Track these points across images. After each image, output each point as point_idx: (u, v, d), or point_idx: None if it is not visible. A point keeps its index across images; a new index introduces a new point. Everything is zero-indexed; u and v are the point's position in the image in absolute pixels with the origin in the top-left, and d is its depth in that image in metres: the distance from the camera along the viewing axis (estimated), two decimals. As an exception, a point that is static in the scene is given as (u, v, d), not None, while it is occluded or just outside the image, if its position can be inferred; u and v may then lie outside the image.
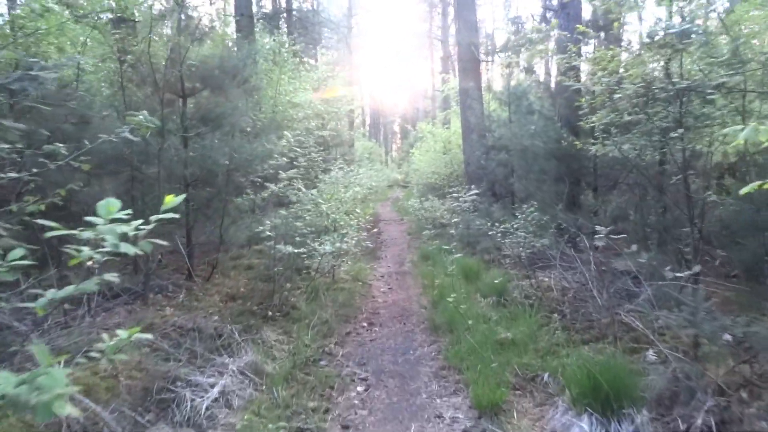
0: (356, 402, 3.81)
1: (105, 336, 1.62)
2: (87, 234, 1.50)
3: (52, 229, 1.55)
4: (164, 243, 1.66)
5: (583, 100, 5.57)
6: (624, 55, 5.91)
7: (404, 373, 4.28)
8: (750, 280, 4.72)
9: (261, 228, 5.54)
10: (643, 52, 4.75)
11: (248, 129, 7.21)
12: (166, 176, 6.59)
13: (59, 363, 1.80)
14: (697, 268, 3.51)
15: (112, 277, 1.62)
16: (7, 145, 3.44)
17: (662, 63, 4.61)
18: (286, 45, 13.76)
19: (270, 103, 12.92)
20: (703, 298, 3.40)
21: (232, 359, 4.08)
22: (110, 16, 7.55)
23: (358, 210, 7.74)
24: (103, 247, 1.50)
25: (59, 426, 2.86)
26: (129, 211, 1.66)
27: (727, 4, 6.33)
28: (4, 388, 1.18)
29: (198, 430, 3.32)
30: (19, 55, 5.06)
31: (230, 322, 5.00)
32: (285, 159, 5.93)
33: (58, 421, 2.85)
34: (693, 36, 4.32)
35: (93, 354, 1.64)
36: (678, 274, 3.48)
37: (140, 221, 1.57)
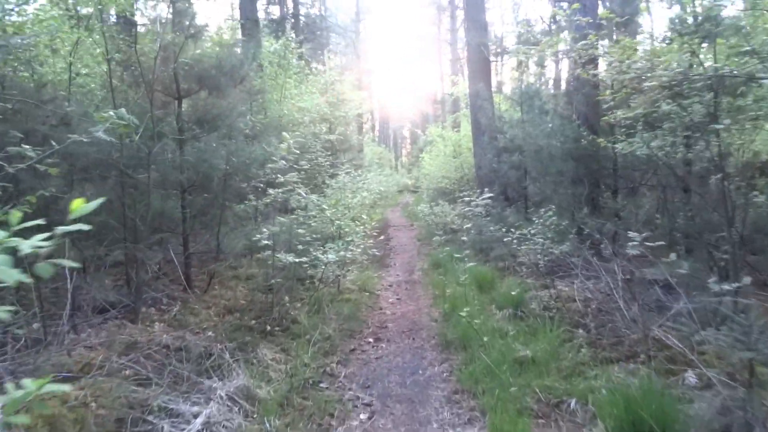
0: (359, 432, 3.39)
1: (9, 386, 1.22)
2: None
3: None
4: (71, 264, 1.24)
5: (608, 92, 5.12)
6: (646, 45, 5.49)
7: (413, 397, 3.85)
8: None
9: (258, 236, 5.13)
10: (673, 39, 4.31)
11: (247, 131, 6.83)
12: (160, 181, 6.24)
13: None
14: (747, 280, 3.05)
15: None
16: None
17: (691, 52, 4.16)
18: (292, 47, 13.39)
19: (275, 106, 12.62)
20: (757, 314, 2.94)
21: (221, 383, 3.67)
22: (112, 18, 7.28)
23: (364, 216, 7.30)
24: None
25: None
26: (41, 221, 1.26)
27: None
28: None
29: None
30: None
31: (224, 339, 4.61)
32: (284, 162, 5.52)
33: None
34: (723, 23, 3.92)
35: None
36: (726, 286, 3.01)
37: (45, 234, 1.16)
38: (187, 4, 6.17)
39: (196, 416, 3.19)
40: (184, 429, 3.07)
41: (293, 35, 15.38)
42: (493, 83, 15.34)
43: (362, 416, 3.57)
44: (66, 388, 1.25)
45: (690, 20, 4.46)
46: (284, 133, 5.56)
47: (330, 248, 6.22)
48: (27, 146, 3.15)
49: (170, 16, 6.17)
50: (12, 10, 5.76)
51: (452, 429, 3.36)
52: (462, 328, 4.88)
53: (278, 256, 5.59)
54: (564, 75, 25.91)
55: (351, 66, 30.33)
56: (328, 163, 13.78)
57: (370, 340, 5.15)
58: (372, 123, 42.17)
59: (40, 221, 1.25)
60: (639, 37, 4.76)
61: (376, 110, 42.23)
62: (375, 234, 9.18)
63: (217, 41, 7.58)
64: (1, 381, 3.11)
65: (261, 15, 23.06)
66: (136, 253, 5.33)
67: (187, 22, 6.06)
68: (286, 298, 5.39)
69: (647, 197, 7.10)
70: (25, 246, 1.09)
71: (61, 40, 7.30)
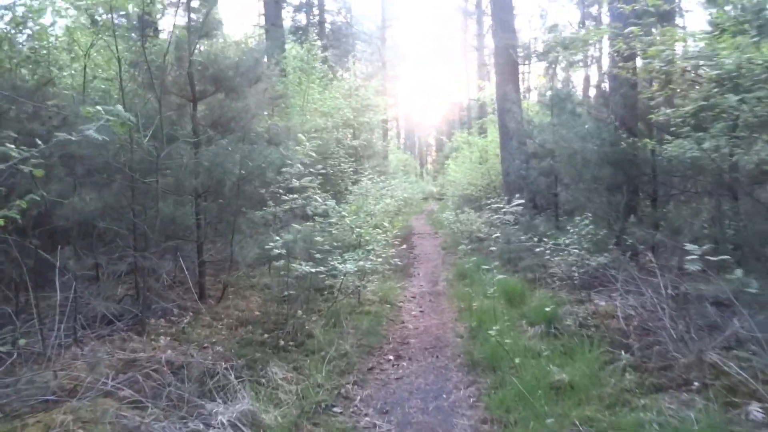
0: (375, 467, 3.01)
1: None
2: None
3: None
4: None
5: (655, 87, 4.67)
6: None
7: (436, 426, 3.45)
8: None
9: (272, 245, 4.80)
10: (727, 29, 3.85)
11: (265, 135, 6.54)
12: (174, 186, 5.99)
13: None
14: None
15: None
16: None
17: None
18: (315, 51, 13.16)
19: (298, 112, 12.39)
20: None
21: (224, 406, 3.33)
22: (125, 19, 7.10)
23: (386, 224, 6.94)
24: None
25: None
26: None
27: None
28: None
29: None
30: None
31: (232, 356, 4.29)
32: (300, 167, 5.21)
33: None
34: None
35: None
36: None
37: None
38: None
39: (191, 446, 2.86)
40: (176, 462, 2.73)
41: (317, 39, 15.25)
42: (521, 88, 14.89)
43: (378, 448, 3.20)
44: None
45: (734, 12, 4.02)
46: (300, 135, 5.25)
47: (349, 257, 5.87)
48: (11, 146, 2.88)
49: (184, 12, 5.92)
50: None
51: (480, 467, 2.96)
52: (490, 346, 4.46)
53: (294, 265, 5.27)
54: (594, 80, 25.37)
55: (376, 73, 30.16)
56: (351, 169, 13.50)
57: (390, 357, 4.76)
58: (397, 130, 41.97)
59: None
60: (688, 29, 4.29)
61: (401, 118, 42.01)
62: (398, 242, 8.82)
63: (233, 41, 7.29)
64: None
65: (288, 23, 23.11)
66: (144, 262, 5.07)
67: (201, 19, 5.80)
68: (299, 312, 5.03)
69: (690, 205, 6.58)
70: None
71: (77, 42, 7.20)
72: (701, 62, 3.49)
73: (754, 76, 3.40)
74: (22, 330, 3.94)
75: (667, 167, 5.83)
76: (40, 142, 2.83)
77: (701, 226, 5.84)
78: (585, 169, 6.66)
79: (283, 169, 5.33)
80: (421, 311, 6.46)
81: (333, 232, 7.26)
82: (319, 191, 6.35)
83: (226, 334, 5.03)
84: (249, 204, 6.76)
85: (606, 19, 25.60)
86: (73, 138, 2.88)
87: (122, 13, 6.06)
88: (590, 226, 5.48)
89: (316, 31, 22.70)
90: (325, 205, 5.71)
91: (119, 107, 3.05)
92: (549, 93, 10.44)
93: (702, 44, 3.73)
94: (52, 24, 6.62)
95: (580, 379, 3.78)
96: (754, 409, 3.12)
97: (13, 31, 5.61)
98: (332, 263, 5.41)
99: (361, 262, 5.55)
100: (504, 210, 7.49)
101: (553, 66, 13.77)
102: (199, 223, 6.02)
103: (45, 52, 6.42)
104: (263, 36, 16.99)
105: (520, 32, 27.12)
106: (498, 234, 7.06)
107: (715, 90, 3.61)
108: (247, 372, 3.97)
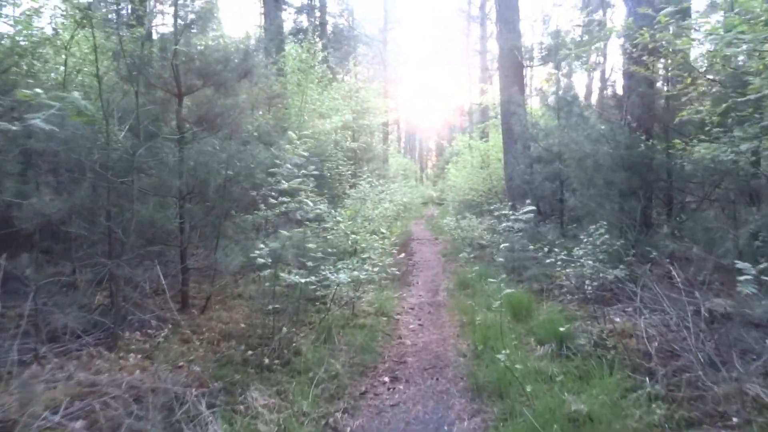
0: None
1: None
2: None
3: None
4: None
5: (688, 79, 4.23)
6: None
7: (436, 465, 3.01)
8: None
9: (257, 253, 4.35)
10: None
11: (255, 134, 6.10)
12: (156, 187, 5.56)
13: None
14: None
15: None
16: None
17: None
18: (314, 51, 12.74)
19: (296, 113, 11.98)
20: None
21: (192, 442, 2.89)
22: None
23: (383, 230, 6.49)
24: None
25: None
26: None
27: None
28: None
29: None
30: None
31: (209, 377, 3.84)
32: (289, 167, 4.78)
33: None
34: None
35: None
36: None
37: None
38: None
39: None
40: None
41: (317, 40, 14.85)
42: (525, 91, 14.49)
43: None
44: None
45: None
46: (291, 133, 4.81)
47: (343, 267, 5.42)
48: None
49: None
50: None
51: None
52: (497, 369, 4.01)
53: (282, 275, 4.84)
54: (595, 86, 24.94)
55: (378, 76, 29.76)
56: (349, 172, 13.08)
57: (386, 379, 4.30)
58: (398, 134, 41.60)
59: None
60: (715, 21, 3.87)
61: (402, 121, 41.62)
62: (396, 250, 8.38)
63: (223, 33, 6.86)
64: None
65: (289, 24, 22.76)
66: (117, 270, 4.62)
67: (188, 7, 5.38)
68: (285, 330, 4.57)
69: (706, 212, 6.14)
70: None
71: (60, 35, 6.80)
72: (744, 50, 3.05)
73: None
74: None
75: (690, 172, 5.38)
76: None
77: (749, 237, 5.38)
78: (597, 174, 6.23)
79: (272, 170, 4.88)
80: (419, 324, 6.00)
81: (328, 237, 6.83)
82: (312, 194, 5.93)
83: (206, 350, 4.58)
84: (237, 207, 6.33)
85: (609, 23, 25.32)
86: (13, 128, 2.45)
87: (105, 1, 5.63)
88: (605, 236, 5.03)
89: (317, 32, 22.38)
90: (318, 209, 5.25)
91: (75, 94, 2.62)
92: (554, 96, 10.03)
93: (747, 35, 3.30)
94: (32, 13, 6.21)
95: (600, 409, 3.34)
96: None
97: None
98: (324, 273, 4.96)
99: (355, 272, 5.10)
100: (513, 217, 7.02)
101: (559, 68, 13.33)
102: (183, 227, 5.59)
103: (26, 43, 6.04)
104: (263, 35, 16.64)
105: (523, 36, 26.82)
106: (506, 243, 6.54)
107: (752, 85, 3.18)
108: (224, 398, 3.52)
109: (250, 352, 4.52)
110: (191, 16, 5.35)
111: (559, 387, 3.71)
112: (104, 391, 3.20)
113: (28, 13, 5.99)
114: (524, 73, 14.03)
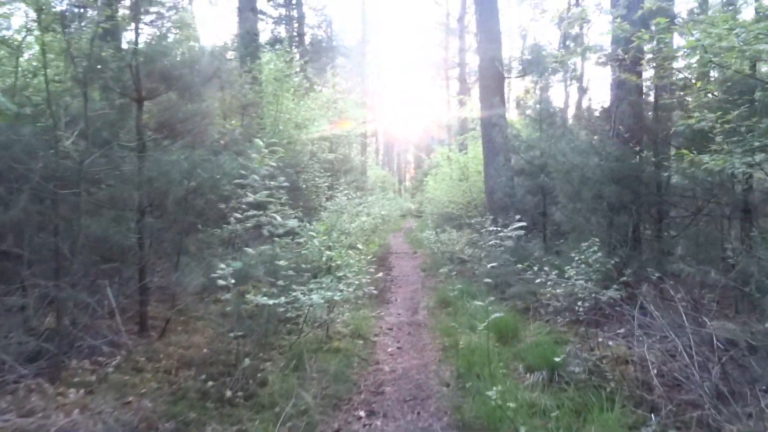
0: None
1: None
2: None
3: None
4: None
5: (699, 84, 3.93)
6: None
7: None
8: None
9: (218, 273, 3.91)
10: None
11: (221, 141, 5.67)
12: (110, 199, 5.09)
13: None
14: None
15: None
16: None
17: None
18: (289, 58, 12.36)
19: (271, 122, 11.56)
20: None
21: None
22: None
23: (360, 246, 6.09)
24: None
25: None
26: None
27: None
28: None
29: None
30: None
31: (161, 415, 3.38)
32: (256, 177, 4.37)
33: None
34: None
35: None
36: None
37: None
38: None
39: None
40: None
41: (294, 50, 14.50)
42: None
43: None
44: None
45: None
46: (257, 141, 4.40)
47: (316, 286, 5.00)
48: None
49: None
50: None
51: None
52: (485, 404, 3.61)
53: (249, 297, 4.40)
54: (573, 99, 25.06)
55: (356, 88, 29.50)
56: (326, 184, 12.67)
57: (361, 414, 3.87)
58: (376, 146, 41.36)
59: None
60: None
61: (380, 133, 41.40)
62: (374, 266, 7.99)
63: (189, 34, 6.43)
64: None
65: (268, 35, 22.33)
66: (60, 292, 4.13)
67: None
68: (248, 360, 4.12)
69: (700, 228, 5.88)
70: None
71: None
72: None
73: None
74: None
75: (683, 185, 5.11)
76: None
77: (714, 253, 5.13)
78: (584, 187, 5.93)
79: (238, 181, 4.46)
80: (398, 347, 5.59)
81: (303, 252, 6.40)
82: (284, 207, 5.50)
83: (161, 381, 4.12)
84: (204, 220, 5.88)
85: (586, 39, 25.53)
86: None
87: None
88: (598, 254, 4.70)
89: (295, 43, 22.03)
90: (288, 224, 4.82)
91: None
92: (536, 107, 9.81)
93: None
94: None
95: (602, 452, 2.97)
96: None
97: None
98: (295, 294, 4.53)
99: (329, 293, 4.67)
100: (501, 234, 6.67)
101: (543, 78, 13.18)
102: (142, 242, 5.11)
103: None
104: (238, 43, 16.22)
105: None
106: (493, 264, 6.15)
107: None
108: (175, 441, 3.07)
109: (210, 383, 4.07)
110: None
111: (554, 424, 3.33)
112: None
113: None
114: (505, 85, 13.87)
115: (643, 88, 5.12)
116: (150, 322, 5.53)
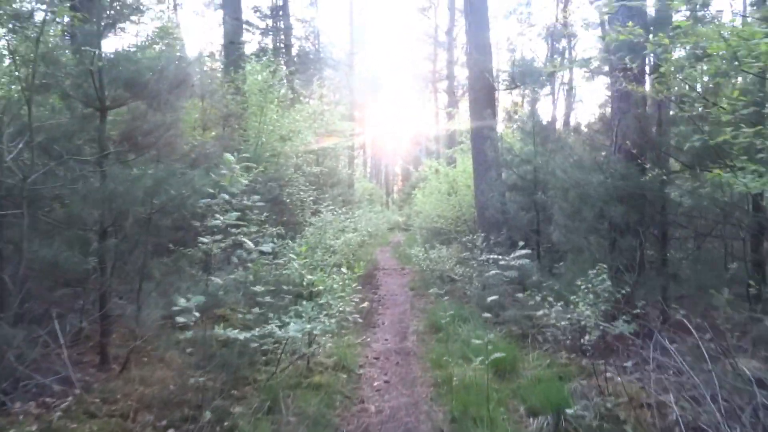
0: None
1: None
2: None
3: None
4: None
5: (720, 95, 3.54)
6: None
7: None
8: None
9: (177, 307, 3.42)
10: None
11: (192, 155, 5.19)
12: (66, 219, 4.59)
13: None
14: None
15: None
16: None
17: None
18: (273, 69, 11.93)
19: (254, 135, 11.13)
20: None
21: None
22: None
23: (344, 269, 5.62)
24: None
25: None
26: None
27: None
28: None
29: None
30: None
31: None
32: (225, 196, 3.90)
33: None
34: None
35: None
36: None
37: None
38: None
39: None
40: None
41: (280, 60, 14.10)
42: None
43: None
44: None
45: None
46: (227, 156, 3.93)
47: (295, 314, 4.53)
48: None
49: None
50: None
51: None
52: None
53: (217, 330, 3.91)
54: (561, 113, 24.91)
55: (344, 100, 29.15)
56: (311, 198, 12.20)
57: (344, 468, 3.39)
58: (364, 159, 41.05)
59: None
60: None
61: (368, 146, 41.11)
62: (360, 285, 7.51)
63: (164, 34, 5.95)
64: None
65: (254, 46, 21.91)
66: (-2, 327, 3.61)
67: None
68: (215, 403, 3.62)
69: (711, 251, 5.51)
70: None
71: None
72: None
73: None
74: None
75: (692, 205, 4.72)
76: None
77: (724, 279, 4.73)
78: (585, 206, 5.53)
79: (204, 201, 3.99)
80: (386, 381, 5.10)
81: (284, 272, 5.93)
82: (263, 225, 5.03)
83: (115, 428, 3.60)
84: (173, 241, 5.39)
85: (573, 53, 25.48)
86: None
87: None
88: (607, 283, 4.27)
89: (282, 54, 21.64)
90: (262, 250, 4.34)
91: None
92: (530, 120, 9.45)
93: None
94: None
95: None
96: None
97: None
98: (270, 326, 4.04)
99: (308, 326, 4.19)
100: (503, 263, 6.23)
101: (531, 92, 12.91)
102: (104, 266, 4.61)
103: None
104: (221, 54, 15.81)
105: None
106: (494, 297, 5.66)
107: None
108: None
109: (172, 431, 3.57)
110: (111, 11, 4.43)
111: (566, 485, 2.88)
112: None
113: None
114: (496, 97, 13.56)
115: (655, 98, 4.76)
116: (115, 350, 5.02)
